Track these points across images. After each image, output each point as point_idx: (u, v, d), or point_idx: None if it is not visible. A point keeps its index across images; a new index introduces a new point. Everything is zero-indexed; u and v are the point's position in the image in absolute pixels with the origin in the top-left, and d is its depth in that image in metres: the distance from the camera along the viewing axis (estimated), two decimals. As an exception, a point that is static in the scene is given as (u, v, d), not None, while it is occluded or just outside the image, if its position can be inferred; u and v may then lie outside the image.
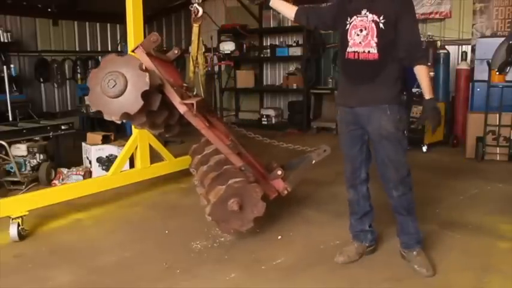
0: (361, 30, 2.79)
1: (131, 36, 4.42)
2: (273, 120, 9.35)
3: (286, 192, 3.50)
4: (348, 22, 2.86)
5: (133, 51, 3.16)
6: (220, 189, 3.14)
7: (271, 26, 9.30)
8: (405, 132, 2.94)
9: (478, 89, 6.37)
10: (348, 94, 2.98)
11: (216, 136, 3.29)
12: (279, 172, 3.56)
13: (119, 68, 2.91)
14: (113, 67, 2.94)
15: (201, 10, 3.33)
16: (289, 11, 3.16)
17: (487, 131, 5.98)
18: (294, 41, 9.22)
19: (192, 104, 3.08)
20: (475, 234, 3.58)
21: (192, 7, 3.33)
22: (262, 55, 9.62)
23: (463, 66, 7.09)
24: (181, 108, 3.09)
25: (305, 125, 8.74)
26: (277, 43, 9.56)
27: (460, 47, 7.63)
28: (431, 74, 3.05)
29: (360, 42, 2.81)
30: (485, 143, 5.98)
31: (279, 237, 3.58)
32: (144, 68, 2.90)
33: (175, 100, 3.09)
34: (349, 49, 2.86)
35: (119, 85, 2.85)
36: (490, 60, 6.03)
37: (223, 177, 3.22)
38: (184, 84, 3.63)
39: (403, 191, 2.94)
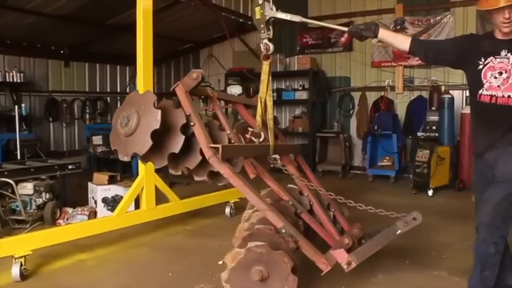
0: (500, 73, 2.62)
1: (141, 78, 4.49)
2: (279, 163, 9.31)
3: (348, 267, 2.84)
4: (481, 62, 2.69)
5: (173, 89, 2.91)
6: (238, 252, 2.69)
7: (278, 70, 9.44)
8: None
9: (483, 134, 6.38)
10: (481, 140, 2.81)
11: (247, 187, 2.82)
12: (346, 240, 3.09)
13: (136, 105, 2.73)
14: (131, 104, 2.77)
15: (271, 46, 3.08)
16: (402, 43, 2.97)
17: (494, 176, 5.94)
18: (300, 85, 9.37)
19: (217, 148, 2.73)
20: (485, 281, 3.50)
21: (262, 43, 3.10)
22: (268, 98, 9.69)
23: (468, 110, 7.11)
24: (207, 153, 2.73)
25: (311, 168, 8.69)
26: (283, 87, 9.75)
27: (465, 91, 7.66)
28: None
29: (499, 86, 2.63)
30: (492, 188, 5.93)
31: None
32: (166, 105, 2.75)
33: (202, 143, 2.75)
34: (483, 91, 2.69)
35: (131, 123, 2.68)
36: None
37: (253, 238, 2.77)
38: (250, 129, 3.42)
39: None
